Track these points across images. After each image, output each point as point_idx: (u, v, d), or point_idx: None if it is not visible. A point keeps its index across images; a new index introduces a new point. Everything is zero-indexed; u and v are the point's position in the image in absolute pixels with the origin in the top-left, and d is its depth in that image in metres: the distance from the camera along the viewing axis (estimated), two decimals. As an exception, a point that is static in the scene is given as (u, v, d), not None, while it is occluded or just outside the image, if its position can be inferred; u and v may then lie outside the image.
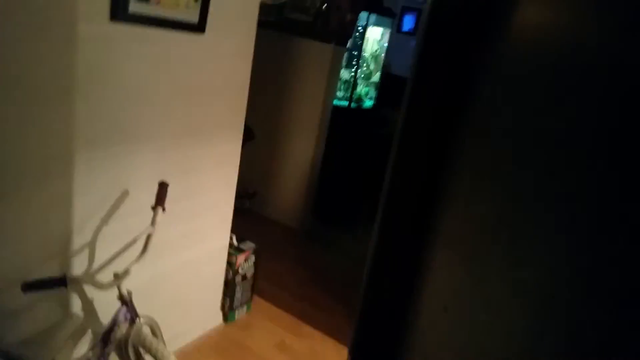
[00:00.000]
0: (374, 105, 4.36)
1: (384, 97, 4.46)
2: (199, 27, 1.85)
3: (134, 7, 1.60)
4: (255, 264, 2.68)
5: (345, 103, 4.01)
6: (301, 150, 3.83)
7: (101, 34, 1.56)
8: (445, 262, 1.17)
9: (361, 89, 4.21)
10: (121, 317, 1.73)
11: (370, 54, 4.18)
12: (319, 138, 3.76)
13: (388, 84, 4.58)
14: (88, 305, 1.81)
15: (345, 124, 3.93)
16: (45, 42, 1.42)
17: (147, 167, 1.86)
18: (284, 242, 3.72)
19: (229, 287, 2.56)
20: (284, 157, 3.93)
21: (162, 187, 1.76)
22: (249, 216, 3.90)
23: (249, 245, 2.63)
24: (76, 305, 1.78)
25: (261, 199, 4.05)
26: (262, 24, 2.22)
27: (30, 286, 1.47)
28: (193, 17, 1.81)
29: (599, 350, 0.82)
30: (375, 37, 4.14)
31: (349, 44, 3.76)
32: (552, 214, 0.90)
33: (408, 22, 5.82)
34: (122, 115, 1.71)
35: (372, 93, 4.35)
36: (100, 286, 1.58)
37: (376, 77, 4.33)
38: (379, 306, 1.33)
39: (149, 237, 1.69)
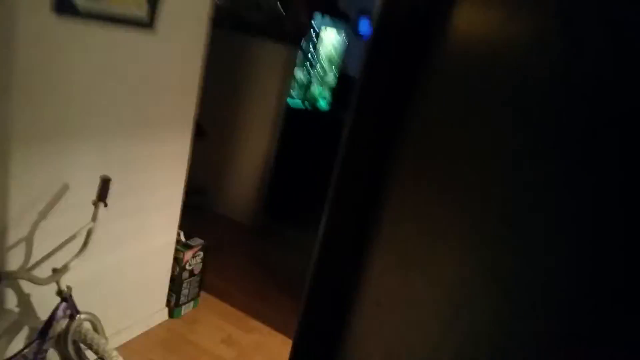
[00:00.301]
0: (328, 105, 4.43)
1: (339, 98, 4.54)
2: (148, 23, 1.85)
3: (80, 1, 1.59)
4: (204, 260, 2.69)
5: (299, 102, 4.06)
6: (255, 148, 3.85)
7: (44, 28, 1.54)
8: (383, 263, 1.24)
9: (315, 89, 4.27)
10: (60, 313, 1.72)
11: (325, 56, 4.24)
12: (273, 136, 3.79)
13: (344, 86, 4.65)
14: (24, 300, 1.79)
15: (299, 123, 3.98)
16: (-17, 33, 1.40)
17: (90, 162, 1.85)
18: (236, 239, 3.73)
19: (175, 283, 2.56)
20: (238, 155, 3.94)
21: (105, 183, 1.75)
22: (200, 213, 3.89)
23: (197, 242, 2.64)
24: (11, 301, 1.75)
25: (213, 196, 4.05)
26: (216, 24, 2.24)
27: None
28: (142, 12, 1.81)
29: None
30: (330, 40, 4.20)
31: (303, 45, 3.81)
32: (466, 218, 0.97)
33: (364, 26, 5.92)
34: (65, 111, 1.69)
35: (326, 94, 4.42)
36: (37, 281, 1.57)
37: (331, 78, 4.40)
38: (321, 302, 1.38)
39: (89, 232, 1.69)
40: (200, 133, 2.61)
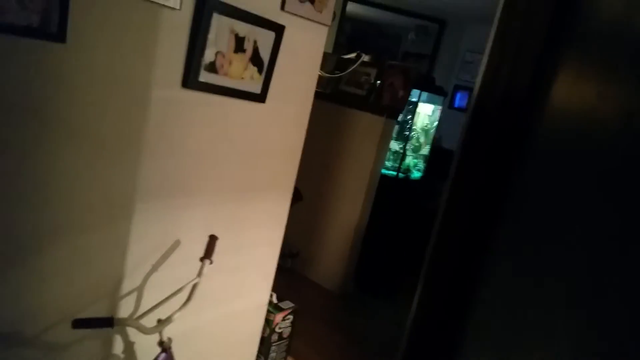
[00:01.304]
0: (422, 176, 4.42)
1: (433, 169, 4.52)
2: (261, 97, 2.02)
3: (203, 77, 1.78)
4: (293, 324, 2.70)
5: (393, 173, 4.10)
6: (346, 215, 3.90)
7: (172, 98, 1.74)
8: (474, 348, 1.18)
9: (410, 160, 4.30)
10: (159, 363, 1.80)
11: (421, 128, 4.29)
12: (365, 205, 3.83)
13: (438, 157, 4.65)
14: (129, 348, 1.90)
15: (391, 193, 4.00)
16: (120, 103, 1.60)
17: (199, 220, 1.99)
18: (323, 305, 3.72)
19: (264, 344, 2.58)
20: (329, 221, 4.01)
21: (212, 240, 1.87)
22: (290, 275, 3.94)
23: (288, 305, 2.67)
24: (118, 347, 1.86)
25: (303, 259, 4.11)
26: (318, 95, 2.38)
27: (80, 323, 1.56)
28: (256, 88, 1.99)
29: None
30: (426, 112, 4.27)
31: (399, 118, 3.90)
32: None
33: (460, 99, 5.98)
34: (181, 171, 1.86)
35: (421, 165, 4.42)
36: (144, 330, 1.66)
37: (425, 150, 4.42)
38: None
39: (194, 287, 1.79)
40: (297, 197, 2.71)
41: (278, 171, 2.31)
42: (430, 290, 1.24)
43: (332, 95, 3.91)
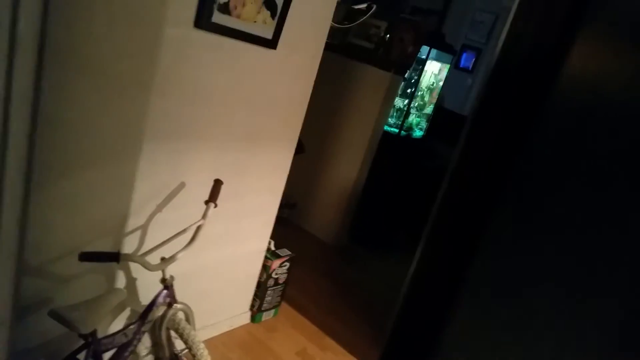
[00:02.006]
0: (424, 136, 4.42)
1: (435, 129, 4.52)
2: (272, 43, 1.99)
3: (216, 18, 1.75)
4: (289, 270, 2.77)
5: (395, 130, 4.09)
6: (346, 169, 3.93)
7: (184, 38, 1.71)
8: (471, 311, 1.22)
9: (413, 118, 4.28)
10: (160, 300, 1.85)
11: (427, 86, 4.25)
12: (365, 160, 3.85)
13: (440, 117, 4.63)
14: (131, 284, 1.95)
15: (392, 150, 4.01)
16: (134, 40, 1.58)
17: (205, 164, 2.00)
18: (317, 256, 3.80)
19: (260, 288, 2.66)
20: (328, 174, 4.03)
21: (217, 184, 1.89)
22: (286, 226, 4.00)
23: (285, 252, 2.73)
24: (120, 282, 1.91)
25: (300, 211, 4.16)
26: (326, 46, 2.35)
27: (86, 256, 1.60)
28: (267, 33, 1.95)
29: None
30: (433, 71, 4.22)
31: (407, 74, 3.86)
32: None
33: (466, 59, 5.89)
34: (190, 114, 1.86)
35: (423, 124, 4.41)
36: (148, 267, 1.71)
37: (429, 109, 4.39)
38: (406, 335, 1.39)
39: (198, 229, 1.82)
40: (299, 149, 2.71)
41: (284, 121, 2.30)
42: (432, 248, 1.27)
43: (340, 46, 3.84)
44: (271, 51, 2.03)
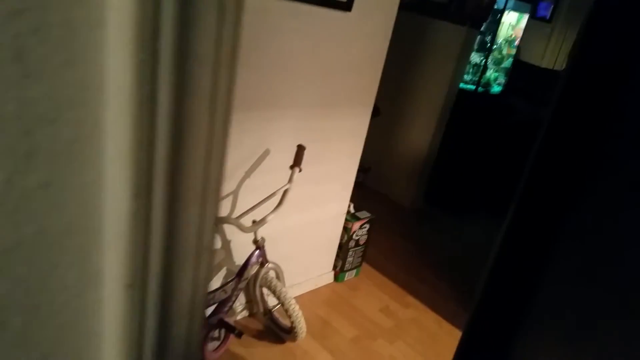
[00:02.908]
0: (502, 91, 4.25)
1: (513, 83, 4.33)
2: (347, 5, 2.00)
3: (293, -14, 1.78)
4: (369, 232, 2.84)
5: (472, 87, 3.97)
6: (421, 130, 3.89)
7: (263, 8, 1.77)
8: (561, 277, 1.21)
9: (490, 73, 4.13)
10: (254, 259, 1.99)
11: (504, 39, 4.06)
12: (441, 120, 3.78)
13: (518, 71, 4.43)
14: (226, 245, 2.10)
15: (469, 108, 3.90)
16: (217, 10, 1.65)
17: (287, 131, 2.08)
18: (394, 218, 3.84)
19: (342, 250, 2.75)
20: (403, 136, 4.01)
21: (300, 150, 1.97)
22: (362, 190, 4.06)
23: (365, 215, 2.80)
24: (216, 244, 2.07)
25: (375, 174, 4.19)
26: (401, 6, 2.31)
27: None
28: (343, -4, 1.96)
29: None
30: (510, 22, 4.01)
31: (483, 28, 3.71)
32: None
33: (544, 8, 5.52)
34: (271, 82, 1.93)
35: (502, 79, 4.24)
36: (242, 228, 1.83)
37: (507, 62, 4.21)
38: (497, 297, 1.40)
39: (285, 193, 1.92)
40: (375, 112, 2.73)
41: (360, 85, 2.33)
42: (526, 207, 1.26)
43: (412, 4, 3.74)
44: (346, 14, 2.04)
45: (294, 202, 2.27)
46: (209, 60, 0.62)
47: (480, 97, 4.04)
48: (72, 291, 0.64)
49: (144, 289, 0.67)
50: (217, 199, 0.70)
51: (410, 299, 2.81)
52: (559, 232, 1.20)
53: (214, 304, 1.92)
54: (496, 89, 4.21)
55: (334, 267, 2.80)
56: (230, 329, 1.89)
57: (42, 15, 0.52)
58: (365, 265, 2.99)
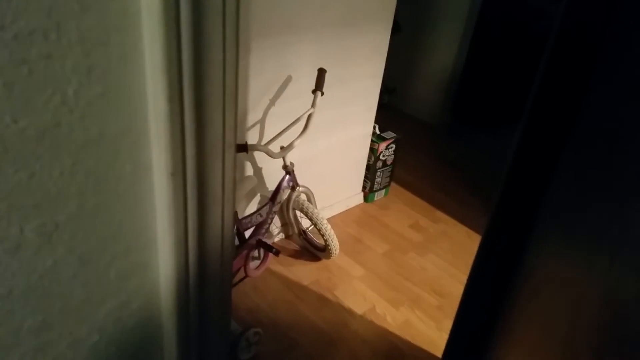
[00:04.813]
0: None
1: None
2: None
3: None
4: (395, 152, 2.90)
5: (497, -5, 3.81)
6: (446, 43, 3.80)
7: None
8: (569, 190, 1.24)
9: (514, -21, 3.93)
10: (284, 184, 2.09)
11: (529, -61, 3.83)
12: (466, 30, 3.68)
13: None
14: (257, 172, 2.20)
15: (497, 17, 3.76)
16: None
17: (307, 55, 2.10)
18: (421, 136, 3.87)
19: (370, 171, 2.83)
20: (427, 52, 3.94)
21: (321, 73, 2.00)
22: (388, 111, 4.07)
23: (390, 135, 2.84)
24: (249, 171, 2.17)
25: (400, 94, 4.17)
26: None
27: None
28: None
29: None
30: None
31: None
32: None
33: None
34: (287, 6, 1.93)
35: (527, -16, 4.04)
36: (271, 155, 1.92)
37: (533, -35, 3.99)
38: (513, 204, 1.46)
39: (310, 117, 1.98)
40: (396, 28, 2.69)
41: (377, 2, 2.29)
42: (534, 124, 1.29)
43: None
44: None
45: (319, 126, 2.33)
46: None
47: (509, 3, 3.87)
48: (129, 180, 0.82)
49: (183, 176, 0.83)
50: (236, 102, 0.86)
51: (440, 214, 2.91)
52: (567, 141, 1.23)
53: (251, 226, 2.05)
54: (521, -5, 4.02)
55: (363, 188, 2.89)
56: (268, 247, 2.03)
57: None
58: (393, 185, 3.07)
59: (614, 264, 1.01)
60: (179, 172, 0.83)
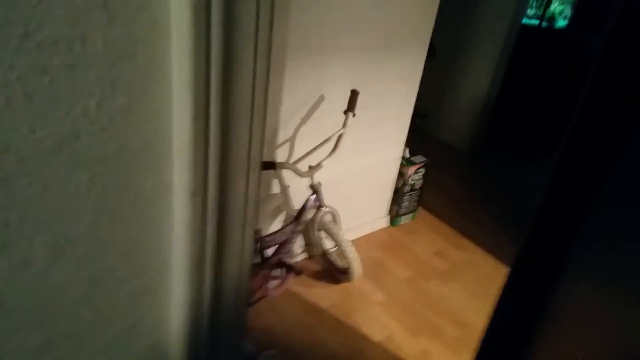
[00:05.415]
0: (568, 25, 3.98)
1: (582, 16, 4.03)
2: (400, -60, 1.91)
3: None
4: (424, 177, 2.83)
5: (535, 22, 3.74)
6: (480, 71, 3.73)
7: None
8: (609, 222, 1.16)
9: (555, 6, 3.86)
10: (311, 203, 2.05)
11: (573, -33, 3.76)
12: (502, 59, 3.61)
13: (587, 2, 4.11)
14: (284, 189, 2.17)
15: (532, 45, 3.69)
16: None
17: (340, 75, 2.07)
18: (451, 162, 3.78)
19: (397, 194, 2.76)
20: (461, 78, 3.88)
21: (354, 94, 1.96)
22: (419, 135, 4.01)
23: (420, 159, 2.78)
24: (276, 188, 2.14)
25: (432, 119, 4.11)
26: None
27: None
28: None
29: None
30: (582, -53, 3.70)
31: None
32: None
33: None
34: (324, 27, 1.90)
35: (568, 12, 3.96)
36: (299, 173, 1.88)
37: (576, -7, 3.91)
38: (545, 239, 1.38)
39: (340, 138, 1.94)
40: (431, 52, 2.64)
41: (414, 25, 2.25)
42: (572, 156, 1.21)
43: None
44: (400, -50, 1.96)
45: (349, 147, 2.28)
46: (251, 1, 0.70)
47: (545, 33, 3.80)
48: (148, 197, 0.77)
49: (204, 196, 0.79)
50: (264, 123, 0.82)
51: (466, 242, 2.81)
52: (606, 175, 1.15)
53: (274, 245, 2.01)
54: (562, 22, 3.94)
55: (390, 212, 2.83)
56: (289, 268, 1.98)
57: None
58: (421, 210, 3.00)
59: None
60: (200, 191, 0.79)
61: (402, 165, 2.71)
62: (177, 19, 0.68)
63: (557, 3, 3.83)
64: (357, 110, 1.99)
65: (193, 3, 0.66)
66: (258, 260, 1.91)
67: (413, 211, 2.91)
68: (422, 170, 2.80)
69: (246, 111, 0.80)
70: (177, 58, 0.71)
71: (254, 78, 0.77)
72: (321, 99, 2.04)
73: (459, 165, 3.78)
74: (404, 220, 2.89)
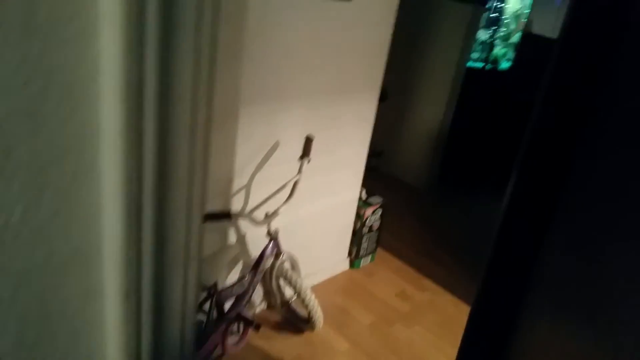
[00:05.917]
0: (511, 67, 4.19)
1: (523, 58, 4.26)
2: (348, -7, 1.98)
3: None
4: (382, 217, 2.84)
5: (480, 64, 3.92)
6: (430, 111, 3.85)
7: (264, 1, 1.75)
8: (561, 261, 1.19)
9: (498, 50, 4.07)
10: (268, 251, 2.01)
11: (512, 13, 3.99)
12: (450, 100, 3.74)
13: (528, 45, 4.35)
14: (241, 238, 2.12)
15: (478, 86, 3.86)
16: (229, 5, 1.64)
17: (295, 121, 2.08)
18: (408, 201, 3.83)
19: (356, 236, 2.76)
20: (413, 118, 3.98)
21: (308, 141, 1.97)
22: (375, 174, 4.05)
23: (377, 200, 2.80)
24: (232, 238, 2.08)
25: (387, 158, 4.17)
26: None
27: (207, 217, 1.76)
28: (344, -17, 1.94)
29: None
30: (517, -5, 3.94)
31: (488, 4, 3.64)
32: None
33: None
34: (277, 74, 1.92)
35: (510, 54, 4.18)
36: (255, 222, 1.85)
37: (515, 37, 4.14)
38: (501, 275, 1.40)
39: (296, 184, 1.93)
40: (382, 96, 2.70)
41: (366, 71, 2.31)
42: (523, 181, 1.25)
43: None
44: (346, 3, 2.02)
45: (305, 192, 2.27)
46: (186, 102, 0.72)
47: (489, 74, 3.99)
48: (77, 305, 0.72)
49: (138, 297, 0.74)
50: (201, 213, 0.79)
51: (427, 282, 2.82)
52: (556, 210, 1.19)
53: (231, 297, 1.94)
54: (505, 65, 4.15)
55: (349, 254, 2.81)
56: (248, 322, 1.91)
57: (47, 78, 0.63)
58: (380, 250, 3.00)
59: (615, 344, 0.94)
60: (132, 292, 0.75)
61: (359, 207, 2.72)
62: (107, 123, 0.66)
63: (499, 47, 4.04)
64: (312, 155, 2.00)
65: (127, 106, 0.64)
66: (215, 316, 1.84)
67: (372, 252, 2.91)
68: (380, 211, 2.82)
69: (181, 209, 0.77)
70: (107, 162, 0.69)
71: (190, 179, 0.75)
72: (276, 145, 2.03)
73: (415, 203, 3.83)
74: (364, 262, 2.87)
